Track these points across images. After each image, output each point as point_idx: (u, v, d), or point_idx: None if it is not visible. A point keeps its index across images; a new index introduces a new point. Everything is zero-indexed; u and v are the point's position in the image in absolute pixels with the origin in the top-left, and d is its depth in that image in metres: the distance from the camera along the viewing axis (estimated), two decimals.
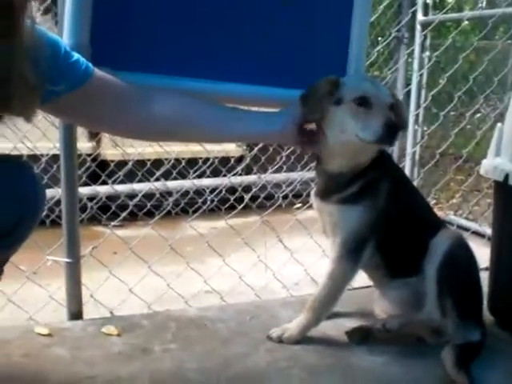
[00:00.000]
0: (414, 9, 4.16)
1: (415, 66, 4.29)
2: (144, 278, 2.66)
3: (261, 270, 2.96)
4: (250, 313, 2.37)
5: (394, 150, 4.04)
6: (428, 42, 4.41)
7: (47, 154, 3.48)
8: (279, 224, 3.30)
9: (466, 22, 4.82)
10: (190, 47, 2.01)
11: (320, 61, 2.19)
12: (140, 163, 3.77)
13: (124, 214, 3.40)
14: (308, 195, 2.45)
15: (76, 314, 2.28)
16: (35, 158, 3.33)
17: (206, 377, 1.89)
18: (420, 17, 4.23)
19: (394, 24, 4.39)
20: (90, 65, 1.72)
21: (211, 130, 1.90)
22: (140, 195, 3.55)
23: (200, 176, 3.94)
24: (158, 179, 3.67)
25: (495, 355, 2.06)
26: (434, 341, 2.06)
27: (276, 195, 3.76)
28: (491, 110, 5.41)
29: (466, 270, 2.09)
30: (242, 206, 3.38)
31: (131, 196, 3.70)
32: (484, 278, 2.22)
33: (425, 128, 4.46)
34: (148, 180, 3.71)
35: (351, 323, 2.22)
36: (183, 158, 3.80)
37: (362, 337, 2.13)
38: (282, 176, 4.13)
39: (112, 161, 4.04)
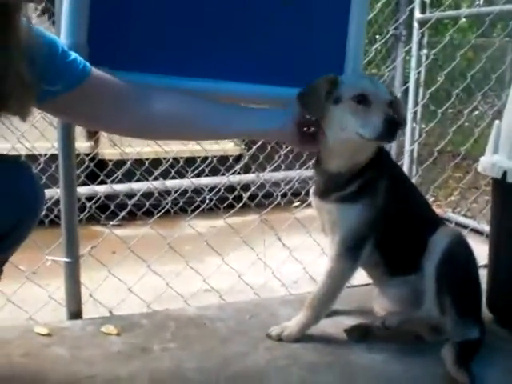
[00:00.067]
0: (411, 6, 4.16)
1: (413, 63, 4.28)
2: (143, 278, 2.66)
3: (260, 268, 2.96)
4: (250, 311, 2.37)
5: (392, 148, 4.04)
6: (425, 39, 4.40)
7: (45, 154, 3.47)
8: (278, 222, 3.31)
9: (464, 20, 4.82)
10: (188, 46, 2.01)
11: (318, 59, 2.19)
12: (138, 162, 3.77)
13: (123, 214, 3.40)
14: (306, 194, 2.45)
15: (75, 313, 2.28)
16: (33, 157, 3.32)
17: (206, 376, 1.89)
18: (417, 14, 4.22)
19: (391, 22, 4.38)
20: (88, 64, 1.73)
21: (210, 126, 1.90)
22: (139, 194, 3.55)
23: (198, 175, 3.94)
24: (156, 178, 3.67)
25: (494, 353, 2.07)
26: (432, 338, 2.07)
27: (274, 194, 3.76)
28: (489, 108, 5.40)
29: (464, 268, 2.09)
30: (240, 204, 3.39)
31: (130, 195, 3.70)
32: (482, 275, 2.22)
33: (423, 126, 4.46)
34: (146, 179, 3.71)
35: (350, 321, 2.22)
36: (182, 157, 3.79)
37: (361, 334, 2.14)
38: (280, 174, 4.13)
39: (110, 160, 4.03)
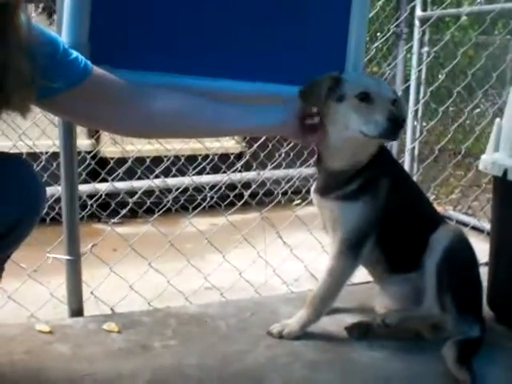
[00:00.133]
0: (412, 4, 4.15)
1: (414, 61, 4.28)
2: (144, 275, 2.66)
3: (261, 266, 2.96)
4: (250, 309, 2.38)
5: (393, 146, 4.03)
6: (427, 37, 4.40)
7: (47, 152, 3.48)
8: (279, 220, 3.31)
9: (465, 18, 4.80)
10: (188, 45, 2.01)
11: (319, 57, 2.19)
12: (139, 160, 3.77)
13: (124, 212, 3.40)
14: (307, 191, 2.45)
15: (77, 311, 2.29)
16: (35, 155, 3.33)
17: (207, 373, 1.90)
18: (419, 12, 4.22)
19: (392, 19, 4.37)
20: (89, 63, 1.73)
21: (211, 124, 1.91)
22: (140, 192, 3.55)
23: (199, 173, 3.94)
24: (157, 176, 3.67)
25: (495, 350, 2.07)
26: (433, 336, 2.07)
27: (275, 192, 3.77)
28: (490, 106, 5.40)
29: (465, 266, 2.10)
30: (241, 202, 3.38)
31: (131, 193, 3.70)
32: (483, 273, 2.23)
33: (424, 124, 4.46)
34: (147, 177, 3.71)
35: (351, 319, 2.23)
36: (183, 155, 3.79)
37: (361, 332, 2.14)
38: (281, 172, 4.12)
39: (111, 158, 4.03)
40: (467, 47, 4.39)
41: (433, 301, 2.03)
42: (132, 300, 2.54)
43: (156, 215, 3.21)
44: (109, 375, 1.87)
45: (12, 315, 2.34)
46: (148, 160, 3.82)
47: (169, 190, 3.83)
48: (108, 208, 3.83)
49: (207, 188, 3.94)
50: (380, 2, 3.94)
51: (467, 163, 4.96)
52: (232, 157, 4.29)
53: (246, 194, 3.42)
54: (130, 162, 3.58)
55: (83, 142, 4.00)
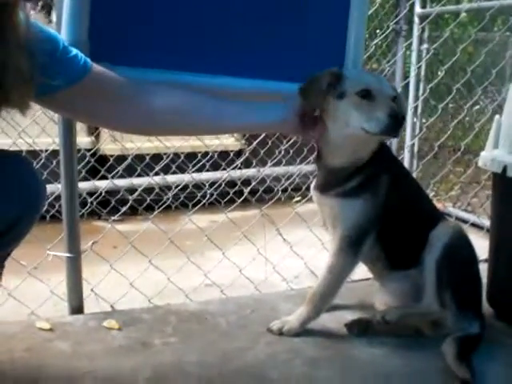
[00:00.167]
0: (411, 1, 4.15)
1: (413, 58, 4.28)
2: (144, 272, 2.67)
3: (261, 263, 2.97)
4: (250, 306, 2.38)
5: (393, 143, 4.03)
6: (426, 34, 4.41)
7: (47, 150, 3.48)
8: (279, 217, 3.31)
9: (464, 14, 4.81)
10: (188, 42, 2.01)
11: (318, 54, 2.19)
12: (139, 158, 3.77)
13: (124, 209, 3.40)
14: (307, 188, 2.45)
15: (77, 308, 2.29)
16: (34, 153, 3.33)
17: (207, 370, 1.90)
18: (418, 9, 4.22)
19: (391, 16, 4.37)
20: (89, 60, 1.73)
21: (211, 121, 1.91)
22: (139, 190, 3.56)
23: (199, 170, 3.94)
24: (157, 174, 3.67)
25: (494, 347, 2.07)
26: (433, 333, 2.07)
27: (275, 188, 3.77)
28: (489, 102, 5.40)
29: (465, 262, 2.10)
30: (241, 199, 3.39)
31: (131, 190, 3.71)
32: (483, 269, 2.23)
33: (423, 120, 4.47)
34: (147, 174, 3.71)
35: (351, 315, 2.23)
36: (182, 153, 3.79)
37: (361, 329, 2.14)
38: (281, 169, 4.13)
39: (111, 155, 4.04)
40: (466, 44, 4.40)
41: (432, 297, 2.04)
42: (132, 297, 2.55)
43: (156, 212, 3.22)
44: (109, 372, 1.87)
45: (12, 313, 2.35)
46: (148, 157, 3.82)
47: (168, 188, 3.84)
48: (108, 205, 3.83)
49: (207, 185, 3.94)
50: None
51: (467, 160, 4.96)
52: (232, 154, 4.29)
53: (246, 191, 3.43)
54: (129, 159, 3.59)
55: (83, 140, 4.00)
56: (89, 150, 4.05)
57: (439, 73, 4.29)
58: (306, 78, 1.96)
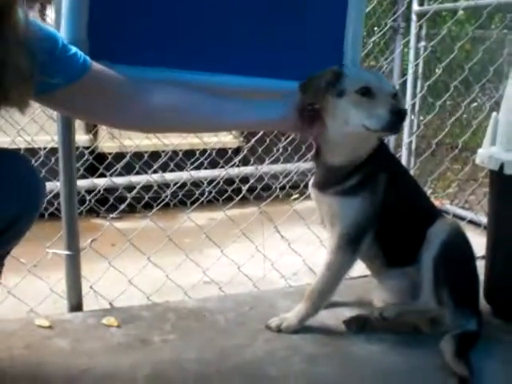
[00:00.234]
0: None
1: (411, 55, 4.29)
2: (143, 270, 2.67)
3: (259, 260, 2.97)
4: (249, 303, 2.38)
5: (391, 140, 4.04)
6: (424, 31, 4.41)
7: (45, 148, 3.48)
8: (277, 215, 3.31)
9: (462, 12, 4.79)
10: (187, 40, 2.02)
11: (316, 52, 2.19)
12: (137, 155, 3.77)
13: (122, 207, 3.41)
14: (305, 186, 2.46)
15: (76, 305, 2.29)
16: (33, 151, 3.33)
17: (205, 367, 1.91)
18: (415, 7, 4.23)
19: (389, 14, 4.37)
20: (88, 58, 1.73)
21: (210, 119, 1.91)
22: (138, 187, 3.55)
23: (197, 168, 3.94)
24: (155, 171, 3.67)
25: (492, 344, 2.08)
26: (430, 330, 2.08)
27: (273, 186, 3.78)
28: (487, 100, 5.40)
29: (462, 259, 2.11)
30: (239, 197, 3.39)
31: (129, 188, 3.71)
32: (480, 266, 2.23)
33: (421, 118, 4.47)
34: (146, 172, 3.71)
35: (349, 312, 2.24)
36: (180, 150, 3.80)
37: (359, 326, 2.15)
38: (279, 167, 4.13)
39: (109, 153, 4.03)
40: (464, 41, 4.39)
41: (430, 295, 2.04)
42: (131, 294, 2.55)
43: (154, 210, 3.21)
44: (108, 370, 1.88)
45: (12, 310, 2.35)
46: (146, 155, 3.83)
47: (167, 185, 3.84)
48: (106, 203, 3.83)
49: (205, 183, 3.94)
50: None
51: (464, 157, 4.95)
52: (230, 151, 4.29)
53: (244, 188, 3.43)
54: (128, 157, 3.59)
55: (81, 138, 4.00)
56: (87, 148, 4.05)
57: (437, 70, 4.29)
58: (305, 77, 1.96)
